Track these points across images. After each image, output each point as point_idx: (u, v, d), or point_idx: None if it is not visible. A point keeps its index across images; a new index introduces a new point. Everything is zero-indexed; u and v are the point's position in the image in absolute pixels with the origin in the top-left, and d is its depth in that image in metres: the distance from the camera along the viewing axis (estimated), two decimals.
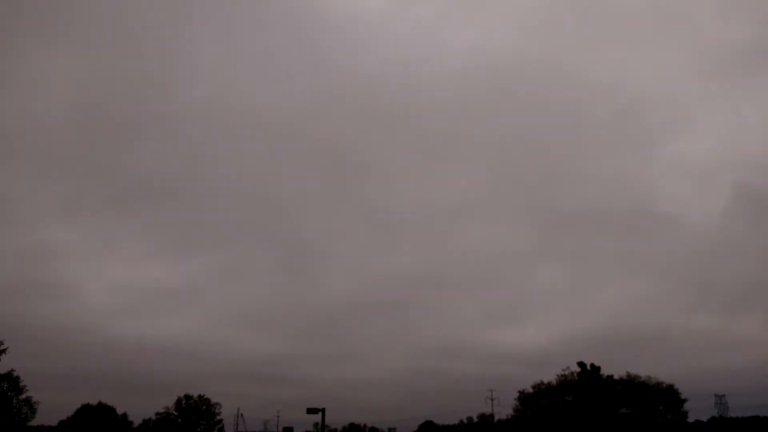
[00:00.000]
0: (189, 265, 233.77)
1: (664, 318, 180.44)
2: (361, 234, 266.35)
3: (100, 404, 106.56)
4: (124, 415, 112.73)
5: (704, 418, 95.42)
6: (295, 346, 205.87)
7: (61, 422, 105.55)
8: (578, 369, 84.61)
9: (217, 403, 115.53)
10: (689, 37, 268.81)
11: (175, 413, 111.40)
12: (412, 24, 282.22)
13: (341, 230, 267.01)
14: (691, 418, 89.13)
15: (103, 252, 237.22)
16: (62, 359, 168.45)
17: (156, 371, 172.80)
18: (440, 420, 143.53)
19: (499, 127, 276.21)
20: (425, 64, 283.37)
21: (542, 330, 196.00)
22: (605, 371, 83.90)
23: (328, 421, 60.21)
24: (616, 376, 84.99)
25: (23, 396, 78.68)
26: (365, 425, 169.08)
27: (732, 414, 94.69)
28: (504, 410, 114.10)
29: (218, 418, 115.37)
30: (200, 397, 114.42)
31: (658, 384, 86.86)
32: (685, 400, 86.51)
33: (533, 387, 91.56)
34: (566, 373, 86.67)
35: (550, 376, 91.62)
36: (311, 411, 55.63)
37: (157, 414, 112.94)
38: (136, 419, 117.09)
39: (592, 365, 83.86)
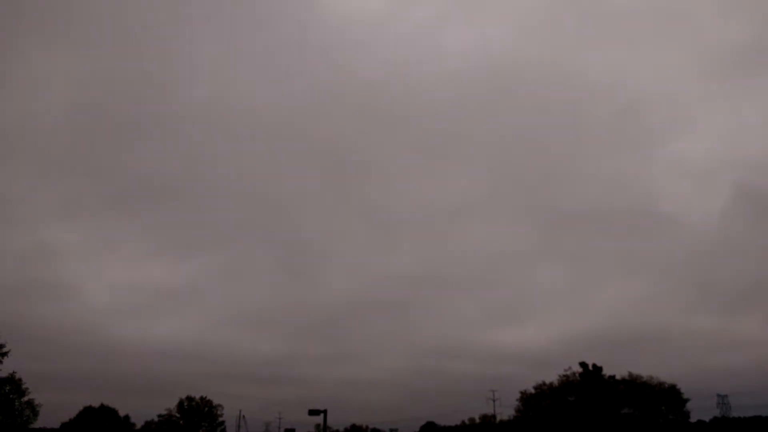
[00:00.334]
0: (189, 265, 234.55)
1: (665, 318, 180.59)
2: (361, 234, 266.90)
3: (103, 406, 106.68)
4: (127, 417, 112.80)
5: (706, 418, 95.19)
6: (296, 346, 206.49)
7: (64, 424, 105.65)
8: (580, 369, 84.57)
9: (219, 405, 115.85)
10: (689, 37, 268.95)
11: (178, 415, 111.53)
12: (412, 24, 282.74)
13: (341, 230, 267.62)
14: (693, 419, 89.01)
15: (104, 252, 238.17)
16: (63, 360, 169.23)
17: (157, 372, 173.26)
18: (442, 421, 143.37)
19: (499, 127, 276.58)
20: (425, 64, 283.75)
21: (543, 330, 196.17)
22: (606, 371, 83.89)
23: (329, 422, 60.17)
24: (617, 377, 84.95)
25: (25, 398, 78.58)
26: (367, 426, 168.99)
27: (734, 414, 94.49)
28: (505, 411, 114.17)
29: (220, 419, 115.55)
30: (202, 398, 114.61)
31: (660, 384, 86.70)
32: (687, 400, 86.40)
33: (535, 387, 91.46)
34: (568, 373, 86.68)
35: (551, 376, 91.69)
36: (313, 413, 55.58)
37: (159, 416, 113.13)
38: (138, 421, 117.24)
39: (594, 365, 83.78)
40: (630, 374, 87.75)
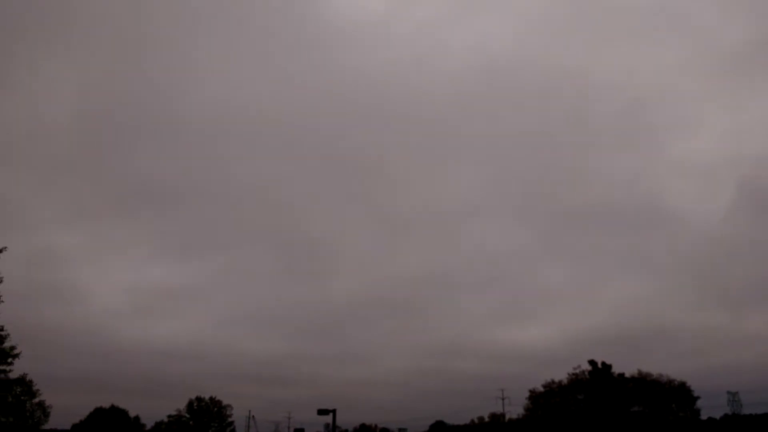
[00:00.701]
0: (197, 267, 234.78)
1: (672, 315, 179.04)
2: (366, 234, 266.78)
3: (113, 407, 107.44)
4: (137, 418, 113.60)
5: (717, 416, 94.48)
6: (304, 346, 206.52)
7: (74, 425, 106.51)
8: (589, 367, 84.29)
9: (229, 405, 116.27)
10: (694, 35, 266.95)
11: (187, 415, 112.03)
12: (412, 25, 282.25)
13: (347, 231, 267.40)
14: (703, 416, 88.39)
15: (110, 255, 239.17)
16: (72, 362, 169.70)
17: (164, 373, 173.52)
18: (451, 420, 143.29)
19: (502, 127, 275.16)
20: (425, 64, 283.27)
21: (550, 329, 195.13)
22: (615, 369, 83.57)
23: (338, 421, 60.26)
24: (627, 374, 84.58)
25: (36, 400, 79.29)
26: (376, 425, 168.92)
27: (745, 411, 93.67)
28: (515, 409, 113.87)
29: (230, 420, 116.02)
30: (212, 399, 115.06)
31: (670, 381, 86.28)
32: (697, 398, 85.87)
33: (544, 386, 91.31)
34: (577, 371, 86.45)
35: (559, 374, 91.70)
36: (322, 412, 55.62)
37: (169, 416, 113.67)
38: (148, 422, 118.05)
39: (603, 363, 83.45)
40: (639, 372, 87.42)
